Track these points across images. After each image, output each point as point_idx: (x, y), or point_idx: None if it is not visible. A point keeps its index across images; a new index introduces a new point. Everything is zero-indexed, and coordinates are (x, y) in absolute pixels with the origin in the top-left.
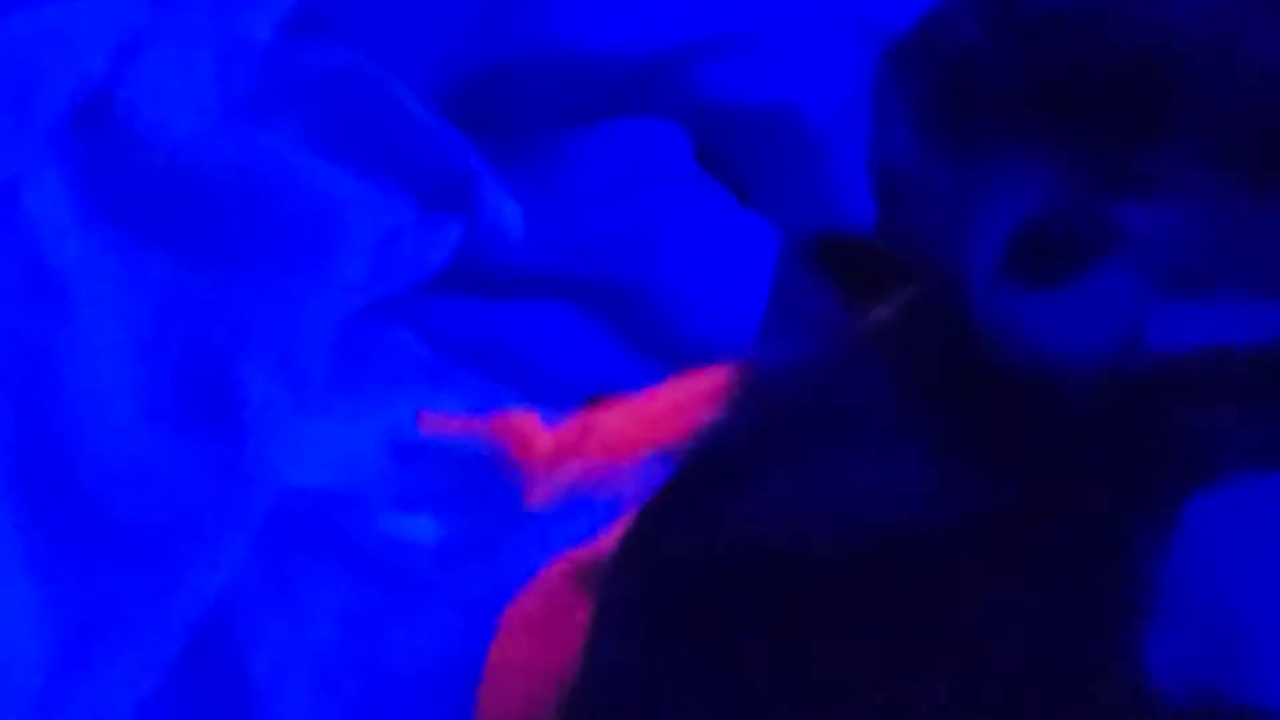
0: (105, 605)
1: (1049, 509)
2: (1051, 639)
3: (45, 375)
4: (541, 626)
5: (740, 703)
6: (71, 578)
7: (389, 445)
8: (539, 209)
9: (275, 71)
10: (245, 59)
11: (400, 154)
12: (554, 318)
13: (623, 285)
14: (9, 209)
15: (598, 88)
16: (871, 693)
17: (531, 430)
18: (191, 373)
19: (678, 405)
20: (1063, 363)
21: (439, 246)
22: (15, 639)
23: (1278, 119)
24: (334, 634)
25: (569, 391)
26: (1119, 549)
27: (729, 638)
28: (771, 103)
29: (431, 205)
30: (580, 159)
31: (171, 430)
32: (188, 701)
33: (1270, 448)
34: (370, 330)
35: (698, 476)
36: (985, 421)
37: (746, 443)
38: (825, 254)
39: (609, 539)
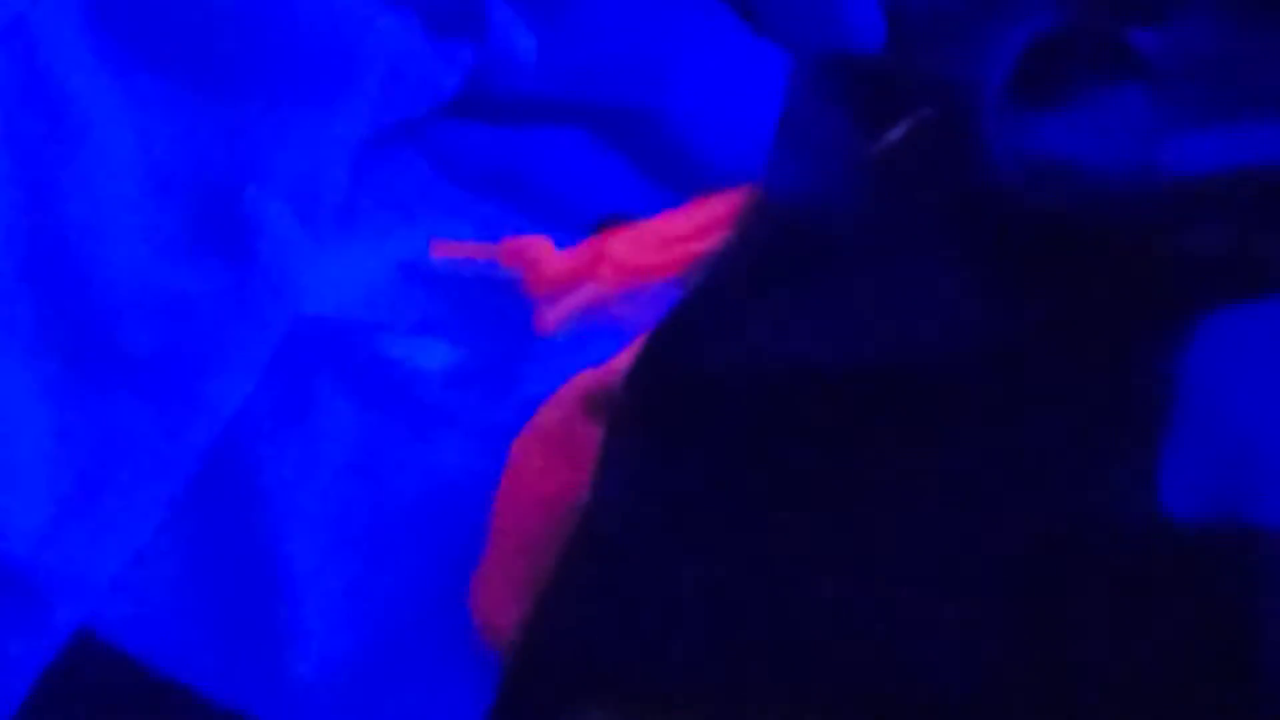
0: (119, 431)
1: (1062, 330)
2: (1066, 461)
3: (58, 203)
4: (554, 451)
5: (751, 522)
6: (85, 403)
7: (401, 271)
8: (550, 34)
9: None
10: None
11: None
12: (566, 143)
13: (634, 110)
14: (20, 38)
15: None
16: (884, 513)
17: (543, 255)
18: (204, 199)
19: (690, 230)
20: (1073, 184)
21: (451, 73)
22: (29, 463)
23: None
24: (347, 459)
25: (581, 216)
26: (1132, 371)
27: (739, 459)
28: None
29: (443, 31)
30: None
31: (184, 256)
32: (201, 526)
33: None
34: (382, 156)
35: (709, 300)
36: (997, 243)
37: (758, 266)
38: (837, 77)
39: (621, 363)
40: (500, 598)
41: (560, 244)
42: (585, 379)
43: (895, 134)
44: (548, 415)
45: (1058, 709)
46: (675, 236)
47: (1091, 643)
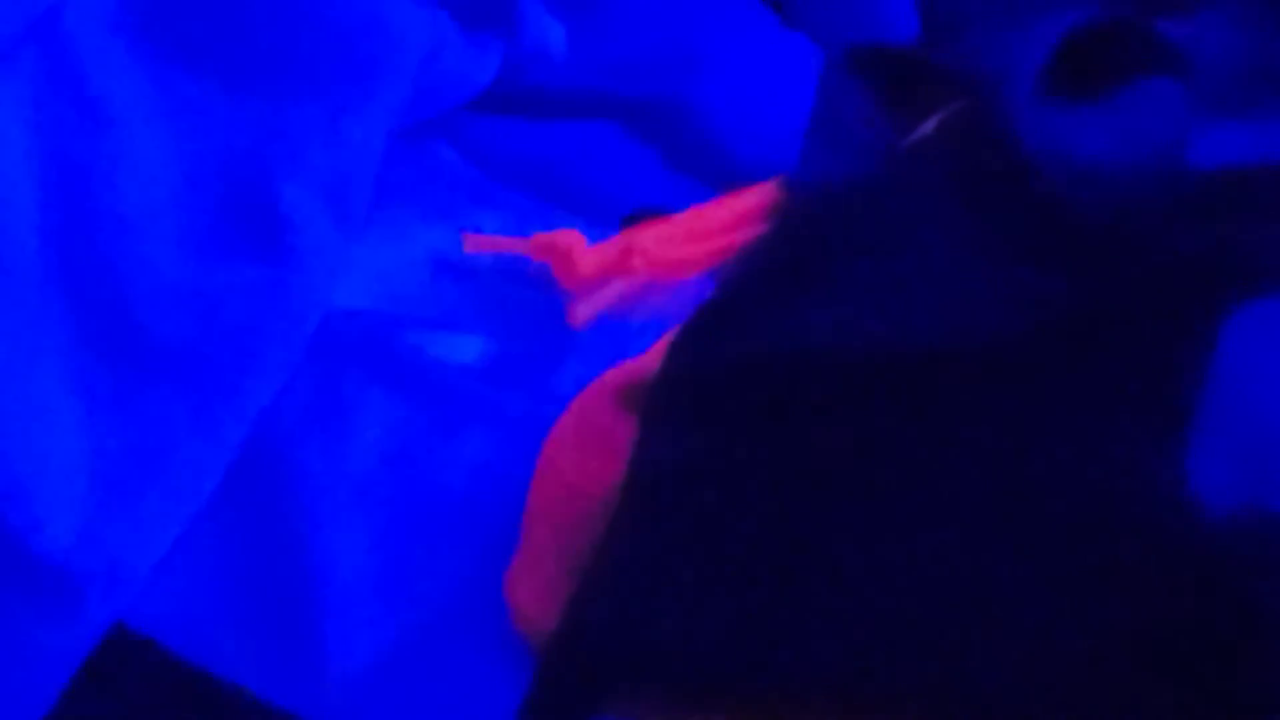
0: (154, 426)
1: (1093, 322)
2: (1095, 450)
3: (89, 197)
4: (586, 445)
5: (786, 510)
6: (120, 398)
7: (432, 265)
8: (581, 28)
9: None
10: None
11: None
12: (597, 137)
13: (666, 104)
14: (51, 32)
15: None
16: (917, 499)
17: (575, 249)
18: (236, 193)
19: (722, 223)
20: (1104, 178)
21: (482, 66)
22: (65, 458)
23: None
24: (379, 454)
25: (612, 210)
26: (1162, 362)
27: (772, 448)
28: None
29: (474, 25)
30: None
31: (216, 251)
32: (235, 520)
33: None
34: (414, 150)
35: (742, 292)
36: (1029, 236)
37: (791, 257)
38: (869, 69)
39: (652, 357)
40: (535, 590)
41: (592, 238)
42: (618, 372)
43: (927, 127)
44: (580, 408)
45: (1082, 690)
46: (706, 230)
47: (1115, 626)
